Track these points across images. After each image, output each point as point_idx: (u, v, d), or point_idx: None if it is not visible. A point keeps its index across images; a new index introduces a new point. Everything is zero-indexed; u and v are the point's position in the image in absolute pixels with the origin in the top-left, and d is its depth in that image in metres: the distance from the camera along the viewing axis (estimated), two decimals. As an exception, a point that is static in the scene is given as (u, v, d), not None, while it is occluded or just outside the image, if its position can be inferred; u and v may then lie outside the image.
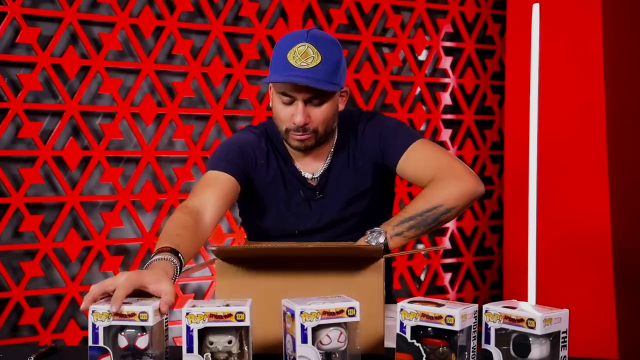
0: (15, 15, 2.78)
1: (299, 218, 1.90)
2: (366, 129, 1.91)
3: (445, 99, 3.66)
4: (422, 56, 3.64)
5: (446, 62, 3.66)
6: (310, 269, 1.48)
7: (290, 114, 1.80)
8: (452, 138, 3.68)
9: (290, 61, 1.75)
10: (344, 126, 1.93)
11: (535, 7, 3.23)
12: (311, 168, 1.91)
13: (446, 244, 3.65)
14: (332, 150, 1.91)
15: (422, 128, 3.61)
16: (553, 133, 3.26)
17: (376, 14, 3.46)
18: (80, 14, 2.90)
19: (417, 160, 1.84)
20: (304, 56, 1.75)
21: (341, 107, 1.88)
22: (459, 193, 1.77)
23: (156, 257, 1.48)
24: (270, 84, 1.86)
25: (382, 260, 1.49)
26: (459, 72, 3.69)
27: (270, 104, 1.89)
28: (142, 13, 3.01)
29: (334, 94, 1.82)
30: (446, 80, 3.67)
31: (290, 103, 1.79)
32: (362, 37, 3.42)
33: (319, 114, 1.80)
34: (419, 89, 3.61)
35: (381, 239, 1.68)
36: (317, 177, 1.91)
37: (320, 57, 1.75)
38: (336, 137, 1.92)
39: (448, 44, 3.66)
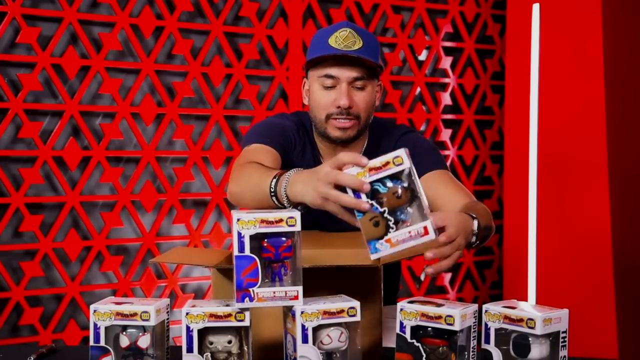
0: (15, 15, 2.78)
1: (315, 215, 1.88)
2: (399, 141, 1.89)
3: (445, 99, 3.66)
4: (422, 56, 3.64)
5: (446, 62, 3.66)
6: (309, 269, 1.48)
7: (332, 99, 1.79)
8: (452, 138, 3.68)
9: (333, 45, 1.76)
10: (375, 133, 1.91)
11: (535, 7, 3.23)
12: None
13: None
14: (361, 154, 1.90)
15: (422, 128, 3.62)
16: (553, 133, 3.26)
17: (376, 14, 3.46)
18: (80, 14, 2.90)
19: (446, 183, 1.78)
20: (346, 40, 1.76)
21: (377, 102, 1.87)
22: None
23: (285, 178, 1.42)
24: (307, 75, 1.85)
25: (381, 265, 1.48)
26: (459, 72, 3.69)
27: (305, 100, 1.88)
28: (142, 13, 3.02)
29: (374, 80, 1.83)
30: (446, 80, 3.67)
31: (332, 87, 1.79)
32: (362, 37, 3.42)
33: (362, 98, 1.79)
34: (419, 89, 3.61)
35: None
36: None
37: (362, 41, 1.77)
38: (367, 140, 1.91)
39: (448, 44, 3.66)
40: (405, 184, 1.26)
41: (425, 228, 1.24)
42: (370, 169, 1.25)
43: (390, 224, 1.25)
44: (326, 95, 1.80)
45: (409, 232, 1.25)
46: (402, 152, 1.25)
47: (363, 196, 1.25)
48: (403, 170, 1.25)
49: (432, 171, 1.81)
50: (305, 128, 1.91)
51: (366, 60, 1.76)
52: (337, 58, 1.77)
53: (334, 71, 1.77)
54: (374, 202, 1.25)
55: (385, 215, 1.25)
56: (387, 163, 1.25)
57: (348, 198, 1.27)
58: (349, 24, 1.80)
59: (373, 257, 1.25)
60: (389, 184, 1.26)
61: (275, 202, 1.47)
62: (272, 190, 1.45)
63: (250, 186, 1.55)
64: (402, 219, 1.26)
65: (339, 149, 1.88)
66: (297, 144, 1.88)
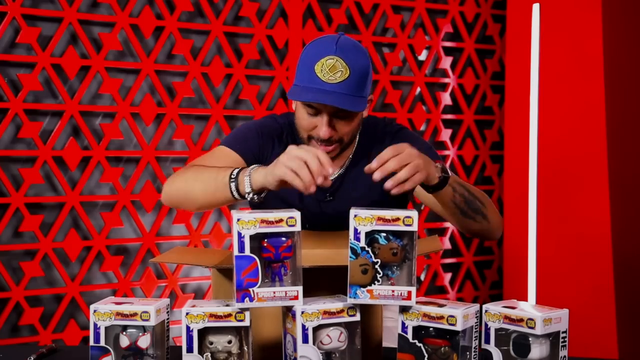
0: (15, 15, 2.78)
1: (308, 216, 1.88)
2: (395, 139, 1.84)
3: (445, 99, 3.66)
4: (422, 56, 3.64)
5: (446, 62, 3.66)
6: (309, 269, 1.48)
7: (313, 124, 1.75)
8: (452, 138, 3.68)
9: (318, 74, 1.70)
10: (365, 134, 1.89)
11: (535, 7, 3.24)
12: None
13: (446, 244, 3.65)
14: (350, 156, 1.88)
15: (422, 128, 3.62)
16: (553, 133, 3.26)
17: (376, 14, 3.46)
18: (80, 14, 2.90)
19: None
20: (332, 70, 1.70)
21: (365, 114, 1.84)
22: (499, 220, 1.79)
23: (249, 168, 1.55)
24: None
25: None
26: (459, 72, 3.69)
27: (294, 106, 1.86)
28: (142, 13, 3.01)
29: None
30: (446, 80, 3.67)
31: (315, 114, 1.75)
32: (362, 37, 3.42)
33: (345, 126, 1.76)
34: (419, 89, 3.61)
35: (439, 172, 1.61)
36: (331, 180, 1.88)
37: (348, 71, 1.71)
38: (356, 143, 1.88)
39: (448, 44, 3.66)
40: (404, 244, 1.29)
41: (409, 293, 1.29)
42: (379, 218, 1.27)
43: (378, 276, 1.29)
44: (308, 119, 1.76)
45: (392, 291, 1.29)
46: (414, 214, 1.28)
47: (362, 241, 1.28)
48: (408, 231, 1.28)
49: None
50: (292, 129, 1.90)
51: (343, 108, 1.70)
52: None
53: (315, 103, 1.73)
54: (369, 250, 1.29)
55: (377, 266, 1.28)
56: (397, 219, 1.28)
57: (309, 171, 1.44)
58: (338, 47, 1.72)
59: (349, 300, 1.30)
60: (390, 238, 1.29)
61: (233, 188, 1.56)
62: (233, 177, 1.56)
63: (201, 179, 1.65)
64: (389, 275, 1.30)
65: None
66: (276, 148, 1.85)
